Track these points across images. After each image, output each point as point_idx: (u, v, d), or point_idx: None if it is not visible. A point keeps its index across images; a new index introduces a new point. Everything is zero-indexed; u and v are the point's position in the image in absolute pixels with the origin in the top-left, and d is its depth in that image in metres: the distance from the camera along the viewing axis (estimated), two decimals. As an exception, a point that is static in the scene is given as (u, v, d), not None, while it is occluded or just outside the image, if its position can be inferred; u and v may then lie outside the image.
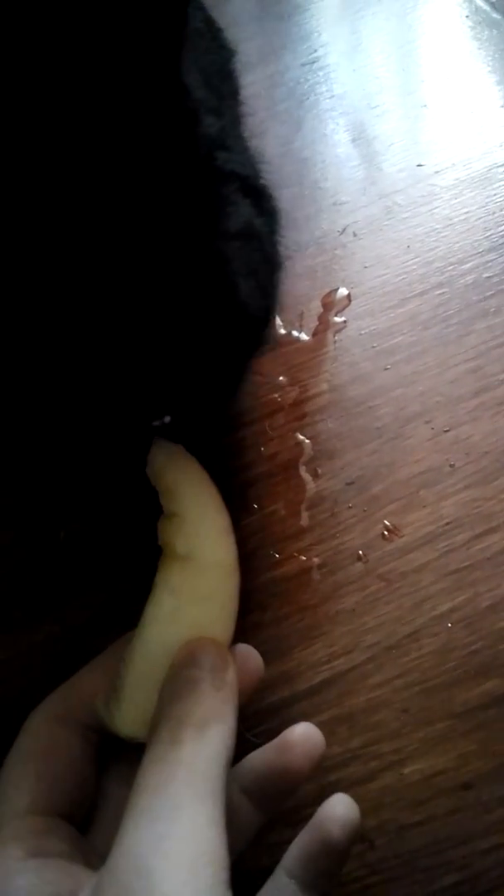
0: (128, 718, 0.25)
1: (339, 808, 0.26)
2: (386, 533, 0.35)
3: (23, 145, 0.19)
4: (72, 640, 0.34)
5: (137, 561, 0.27)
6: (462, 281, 0.40)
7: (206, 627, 0.25)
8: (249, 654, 0.27)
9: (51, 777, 0.24)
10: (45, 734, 0.25)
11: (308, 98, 0.47)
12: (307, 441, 0.37)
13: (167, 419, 0.26)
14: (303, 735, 0.26)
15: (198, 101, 0.24)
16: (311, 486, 0.36)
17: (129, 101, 0.20)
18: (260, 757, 0.27)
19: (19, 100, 0.19)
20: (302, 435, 0.37)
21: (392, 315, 0.39)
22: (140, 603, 0.27)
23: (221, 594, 0.26)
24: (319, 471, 0.37)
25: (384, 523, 0.35)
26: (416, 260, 0.41)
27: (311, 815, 0.26)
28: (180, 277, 0.22)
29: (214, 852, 0.20)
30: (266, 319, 0.28)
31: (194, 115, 0.23)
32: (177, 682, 0.24)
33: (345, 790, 0.31)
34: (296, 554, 0.35)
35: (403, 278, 0.40)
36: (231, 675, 0.24)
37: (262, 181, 0.30)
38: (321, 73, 0.48)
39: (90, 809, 0.26)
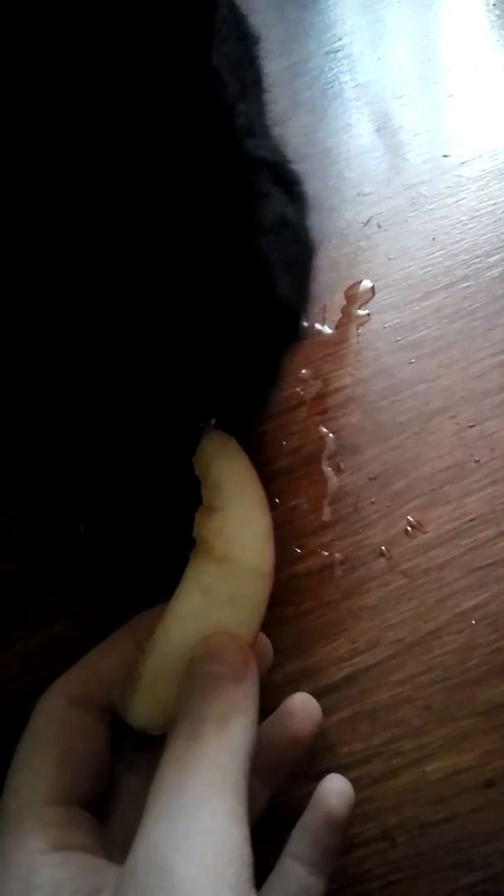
0: (143, 710, 0.25)
1: (334, 783, 0.27)
2: (409, 529, 0.35)
3: (62, 139, 0.19)
4: (90, 634, 0.33)
5: (167, 551, 0.27)
6: (488, 274, 0.39)
7: (231, 628, 0.25)
8: (259, 639, 0.27)
9: (70, 763, 0.24)
10: (62, 717, 0.25)
11: (331, 87, 0.47)
12: (330, 435, 0.37)
13: (213, 421, 0.25)
14: (301, 702, 0.28)
15: (230, 92, 0.24)
16: (333, 480, 0.36)
17: (162, 91, 0.20)
18: (263, 731, 0.27)
19: (56, 92, 0.19)
20: (325, 429, 0.37)
21: (416, 308, 0.39)
22: (161, 599, 0.27)
23: (253, 599, 0.26)
24: (342, 465, 0.36)
25: (407, 519, 0.35)
26: (442, 252, 0.40)
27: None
28: (217, 275, 0.21)
29: (237, 850, 0.20)
30: (302, 310, 0.27)
31: (230, 109, 0.23)
32: (196, 676, 0.24)
33: (366, 787, 0.31)
34: (318, 549, 0.35)
35: (428, 271, 0.40)
36: (252, 670, 0.24)
37: (290, 166, 0.29)
38: (345, 62, 0.47)
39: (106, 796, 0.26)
